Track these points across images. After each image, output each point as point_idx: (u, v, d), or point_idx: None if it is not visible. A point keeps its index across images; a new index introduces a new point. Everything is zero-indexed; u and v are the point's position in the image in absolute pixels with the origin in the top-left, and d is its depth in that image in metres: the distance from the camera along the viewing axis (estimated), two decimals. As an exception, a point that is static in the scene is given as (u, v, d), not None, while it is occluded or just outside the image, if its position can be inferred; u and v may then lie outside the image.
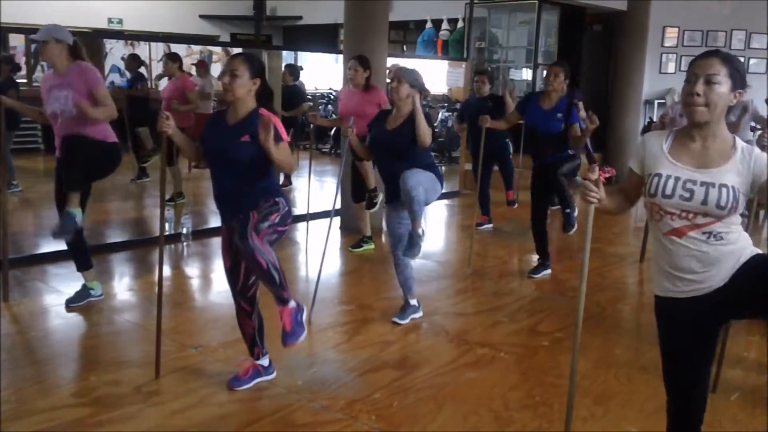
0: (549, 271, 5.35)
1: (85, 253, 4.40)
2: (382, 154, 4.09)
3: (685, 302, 2.15)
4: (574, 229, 5.46)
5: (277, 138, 2.96)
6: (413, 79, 3.92)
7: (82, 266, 4.41)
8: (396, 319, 4.24)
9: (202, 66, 8.86)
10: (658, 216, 2.12)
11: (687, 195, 2.05)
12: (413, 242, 4.01)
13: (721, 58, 2.04)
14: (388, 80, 5.62)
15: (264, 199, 3.09)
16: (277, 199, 3.11)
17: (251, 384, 3.34)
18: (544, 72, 10.04)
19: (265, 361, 3.40)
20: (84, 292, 4.42)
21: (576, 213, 5.51)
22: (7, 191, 6.75)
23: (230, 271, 3.24)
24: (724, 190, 2.02)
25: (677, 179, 2.07)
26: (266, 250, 2.98)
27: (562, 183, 5.15)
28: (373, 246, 5.91)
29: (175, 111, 6.85)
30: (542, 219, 5.21)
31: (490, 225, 6.91)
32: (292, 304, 3.20)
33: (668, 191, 2.07)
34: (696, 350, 2.21)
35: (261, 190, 3.11)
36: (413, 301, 4.31)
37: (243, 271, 3.19)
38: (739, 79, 2.06)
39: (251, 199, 3.08)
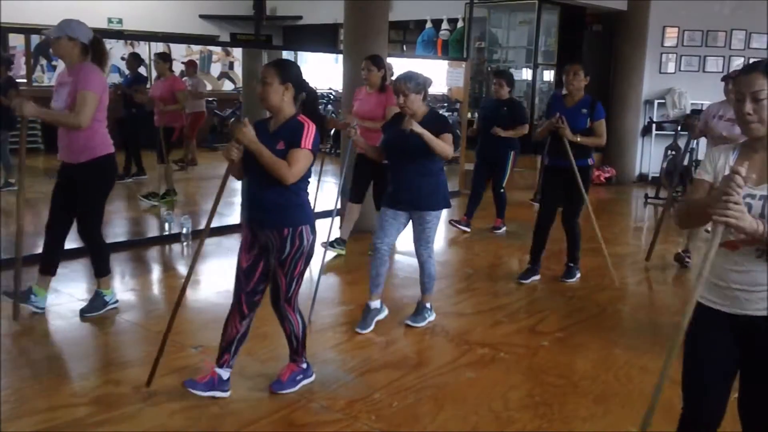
0: (538, 276, 5.24)
1: (106, 259, 4.26)
2: (394, 155, 4.09)
3: (718, 315, 2.14)
4: (573, 280, 5.21)
5: (295, 143, 2.95)
6: (416, 86, 3.90)
7: (101, 272, 4.24)
8: (358, 329, 4.13)
9: (191, 66, 8.91)
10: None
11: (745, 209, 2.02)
12: (418, 310, 4.25)
13: (761, 72, 2.03)
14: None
15: (292, 226, 3.03)
16: (301, 229, 3.05)
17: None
18: (545, 72, 10.09)
19: (225, 373, 3.24)
20: (98, 302, 4.22)
21: (578, 275, 5.26)
22: (3, 190, 6.75)
23: (245, 272, 3.17)
24: None
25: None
26: (294, 320, 3.21)
27: (576, 235, 5.10)
28: (344, 252, 5.73)
29: (162, 111, 7.02)
30: (548, 224, 5.15)
31: (469, 228, 6.74)
32: (302, 366, 3.34)
33: None
34: (718, 366, 2.17)
35: (291, 207, 3.04)
36: (374, 303, 4.20)
37: (258, 275, 3.16)
38: None
39: (279, 216, 3.03)
